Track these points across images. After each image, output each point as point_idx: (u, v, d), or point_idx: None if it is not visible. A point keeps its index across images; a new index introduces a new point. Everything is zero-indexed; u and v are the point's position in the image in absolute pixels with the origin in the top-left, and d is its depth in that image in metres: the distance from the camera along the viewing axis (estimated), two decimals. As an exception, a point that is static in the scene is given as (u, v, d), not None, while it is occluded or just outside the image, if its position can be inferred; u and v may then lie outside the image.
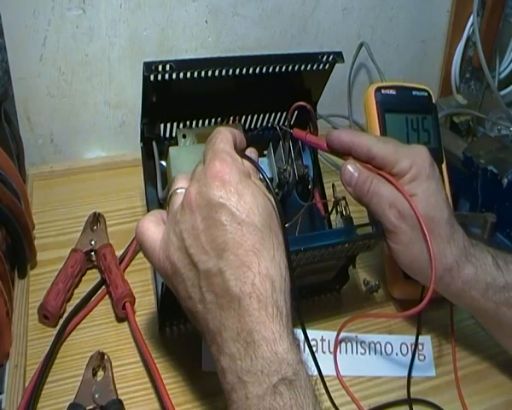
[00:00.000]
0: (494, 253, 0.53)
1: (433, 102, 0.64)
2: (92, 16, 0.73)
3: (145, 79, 0.52)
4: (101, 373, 0.52)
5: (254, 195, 0.41)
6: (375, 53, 0.90)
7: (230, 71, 0.55)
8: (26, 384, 0.50)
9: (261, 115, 0.63)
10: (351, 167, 0.53)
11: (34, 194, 0.75)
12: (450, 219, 0.51)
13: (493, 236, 0.68)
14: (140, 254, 0.65)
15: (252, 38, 0.83)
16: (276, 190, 0.60)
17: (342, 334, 0.57)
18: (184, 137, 0.60)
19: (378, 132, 0.60)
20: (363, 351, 0.58)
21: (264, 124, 0.64)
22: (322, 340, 0.57)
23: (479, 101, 0.89)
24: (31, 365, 0.53)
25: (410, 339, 0.58)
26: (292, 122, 0.60)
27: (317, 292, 0.63)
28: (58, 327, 0.55)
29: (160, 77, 0.52)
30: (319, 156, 0.65)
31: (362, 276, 0.66)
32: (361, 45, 0.90)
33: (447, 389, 0.55)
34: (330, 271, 0.60)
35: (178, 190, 0.44)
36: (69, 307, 0.58)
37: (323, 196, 0.64)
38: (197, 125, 0.61)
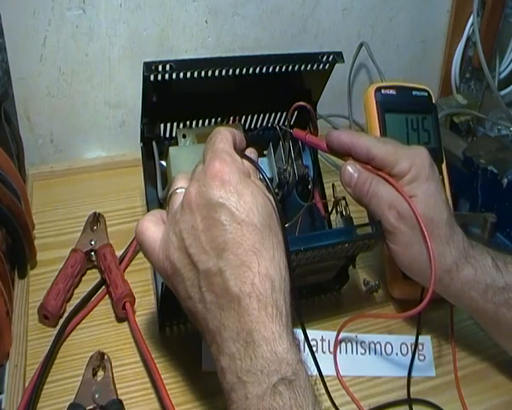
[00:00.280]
0: (494, 254, 0.53)
1: (433, 102, 0.64)
2: (92, 16, 0.73)
3: (145, 78, 0.52)
4: (101, 373, 0.52)
5: (254, 195, 0.41)
6: (375, 53, 0.90)
7: (230, 71, 0.55)
8: (26, 384, 0.50)
9: (261, 115, 0.63)
10: (350, 168, 0.53)
11: (34, 194, 0.75)
12: (450, 221, 0.51)
13: (493, 236, 0.68)
14: (140, 254, 0.65)
15: (252, 38, 0.83)
16: (276, 190, 0.60)
17: (342, 334, 0.57)
18: (184, 137, 0.60)
19: (378, 132, 0.60)
20: (363, 351, 0.58)
21: (264, 124, 0.64)
22: (322, 340, 0.57)
23: (479, 101, 0.89)
24: (31, 365, 0.53)
25: (410, 339, 0.58)
26: (292, 122, 0.60)
27: (317, 292, 0.63)
28: (58, 327, 0.55)
29: (159, 77, 0.52)
30: (319, 156, 0.65)
31: (362, 276, 0.66)
32: (361, 45, 0.90)
33: (447, 389, 0.55)
34: (330, 271, 0.60)
35: (178, 190, 0.44)
36: (69, 307, 0.58)
37: (323, 196, 0.64)
38: (197, 125, 0.61)
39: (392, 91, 0.62)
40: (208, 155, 0.43)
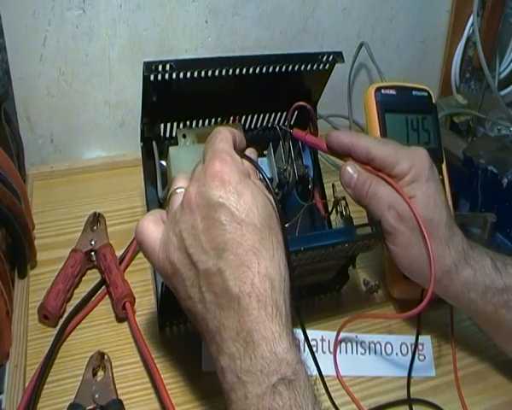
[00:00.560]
0: (493, 255, 0.52)
1: (433, 102, 0.64)
2: (92, 16, 0.73)
3: (145, 78, 0.52)
4: (101, 373, 0.52)
5: (254, 194, 0.41)
6: (375, 53, 0.90)
7: (230, 71, 0.55)
8: (26, 384, 0.50)
9: (261, 115, 0.63)
10: (350, 169, 0.53)
11: (34, 194, 0.75)
12: (449, 222, 0.51)
13: (493, 236, 0.68)
14: (140, 254, 0.65)
15: (252, 38, 0.83)
16: (276, 190, 0.60)
17: (342, 334, 0.57)
18: (184, 136, 0.60)
19: (378, 132, 0.60)
20: (363, 351, 0.58)
21: (264, 124, 0.64)
22: (322, 340, 0.57)
23: (479, 101, 0.89)
24: (31, 365, 0.53)
25: (410, 339, 0.58)
26: (292, 122, 0.60)
27: (317, 292, 0.63)
28: (58, 327, 0.55)
29: (159, 77, 0.52)
30: (319, 156, 0.65)
31: (362, 276, 0.66)
32: (361, 45, 0.90)
33: (447, 389, 0.55)
34: (330, 271, 0.60)
35: (178, 190, 0.44)
36: (69, 307, 0.58)
37: (323, 196, 0.64)
38: (197, 125, 0.61)
39: (392, 91, 0.62)
40: (208, 155, 0.43)
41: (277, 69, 0.56)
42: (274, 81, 0.58)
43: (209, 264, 0.39)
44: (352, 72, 0.93)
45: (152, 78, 0.52)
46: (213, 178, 0.40)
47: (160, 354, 0.55)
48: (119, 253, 0.64)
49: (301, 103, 0.57)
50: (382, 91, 0.61)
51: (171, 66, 0.52)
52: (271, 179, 0.60)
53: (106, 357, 0.53)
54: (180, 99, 0.56)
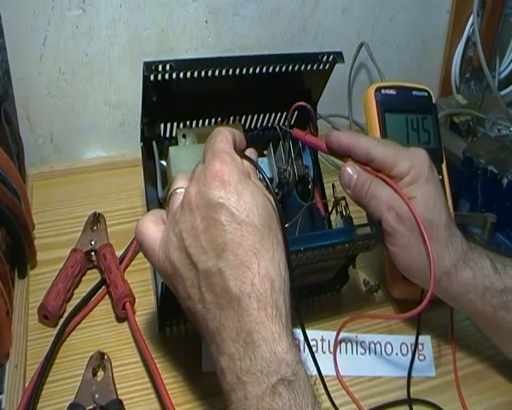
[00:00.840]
0: (492, 256, 0.52)
1: (433, 102, 0.64)
2: (92, 16, 0.73)
3: (145, 78, 0.52)
4: (101, 373, 0.52)
5: (254, 195, 0.41)
6: (375, 53, 0.90)
7: (230, 71, 0.55)
8: (26, 384, 0.50)
9: (261, 115, 0.63)
10: (350, 169, 0.53)
11: (34, 194, 0.75)
12: (449, 223, 0.51)
13: (493, 236, 0.68)
14: (140, 254, 0.65)
15: (252, 38, 0.83)
16: (276, 190, 0.60)
17: (342, 334, 0.57)
18: (184, 136, 0.60)
19: (378, 132, 0.60)
20: (363, 351, 0.58)
21: (264, 124, 0.64)
22: (322, 340, 0.57)
23: (479, 101, 0.89)
24: (31, 365, 0.53)
25: (410, 339, 0.58)
26: (292, 122, 0.60)
27: (317, 292, 0.63)
28: (58, 327, 0.55)
29: (159, 77, 0.52)
30: (319, 156, 0.65)
31: (362, 276, 0.66)
32: (361, 45, 0.90)
33: (447, 389, 0.55)
34: (330, 271, 0.60)
35: (178, 190, 0.44)
36: (69, 307, 0.58)
37: (323, 196, 0.64)
38: (197, 125, 0.61)
39: (392, 91, 0.62)
40: (208, 155, 0.43)
41: (277, 69, 0.56)
42: (274, 81, 0.58)
43: (209, 264, 0.39)
44: (352, 72, 0.93)
45: (152, 78, 0.52)
46: (213, 179, 0.40)
47: (160, 354, 0.55)
48: (119, 253, 0.64)
49: (301, 103, 0.57)
50: (382, 91, 0.61)
51: (171, 66, 0.52)
52: (271, 179, 0.60)
53: (106, 357, 0.53)
54: (180, 99, 0.56)
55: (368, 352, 0.58)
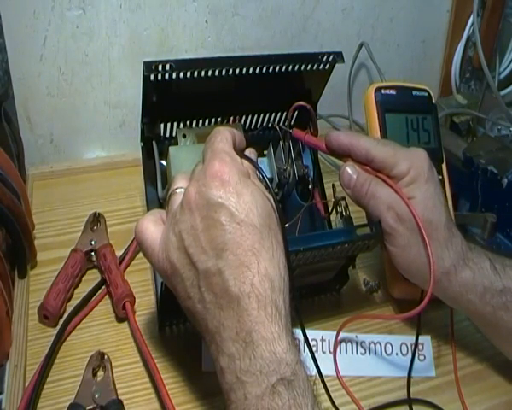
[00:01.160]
0: (492, 257, 0.52)
1: (433, 102, 0.64)
2: (92, 16, 0.73)
3: (145, 78, 0.52)
4: (101, 373, 0.52)
5: (253, 195, 0.41)
6: (375, 53, 0.90)
7: (230, 71, 0.55)
8: (26, 384, 0.50)
9: (261, 115, 0.63)
10: (349, 169, 0.53)
11: (34, 194, 0.75)
12: (449, 223, 0.51)
13: (493, 236, 0.68)
14: (140, 254, 0.65)
15: (252, 38, 0.83)
16: (276, 190, 0.60)
17: (342, 334, 0.57)
18: (184, 136, 0.60)
19: (378, 132, 0.60)
20: (362, 351, 0.58)
21: (264, 124, 0.64)
22: (322, 340, 0.57)
23: (479, 101, 0.89)
24: (31, 365, 0.53)
25: (410, 339, 0.58)
26: (292, 122, 0.60)
27: (317, 292, 0.63)
28: (58, 327, 0.55)
29: (160, 77, 0.52)
30: (319, 156, 0.65)
31: (362, 276, 0.66)
32: (361, 45, 0.90)
33: (447, 389, 0.55)
34: (330, 271, 0.60)
35: (178, 190, 0.44)
36: (69, 307, 0.58)
37: (323, 196, 0.64)
38: (197, 124, 0.61)
39: (392, 91, 0.62)
40: (208, 155, 0.43)
41: (277, 69, 0.56)
42: (274, 81, 0.58)
43: (209, 264, 0.39)
44: (352, 72, 0.93)
45: (152, 78, 0.52)
46: (213, 179, 0.40)
47: (160, 354, 0.55)
48: (119, 253, 0.64)
49: (301, 103, 0.57)
50: (382, 91, 0.61)
51: (171, 66, 0.52)
52: (271, 179, 0.60)
53: (106, 357, 0.53)
54: (180, 99, 0.56)
55: (368, 352, 0.58)
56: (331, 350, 0.57)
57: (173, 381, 0.53)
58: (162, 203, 0.58)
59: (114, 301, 0.58)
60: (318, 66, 0.58)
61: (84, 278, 0.62)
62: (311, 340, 0.55)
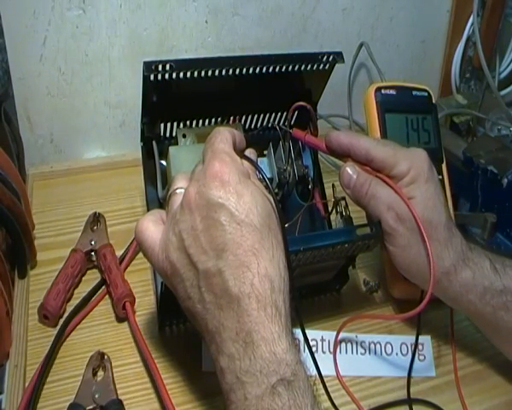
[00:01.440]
0: (492, 257, 0.52)
1: (433, 102, 0.64)
2: (92, 16, 0.73)
3: (145, 78, 0.52)
4: (101, 373, 0.52)
5: (253, 195, 0.41)
6: (375, 53, 0.90)
7: (230, 71, 0.55)
8: (26, 384, 0.50)
9: (261, 115, 0.63)
10: (349, 169, 0.53)
11: (34, 194, 0.75)
12: (449, 223, 0.51)
13: (493, 236, 0.68)
14: (140, 254, 0.65)
15: (252, 38, 0.83)
16: (276, 190, 0.60)
17: (342, 334, 0.57)
18: (184, 136, 0.60)
19: (378, 132, 0.60)
20: (362, 351, 0.58)
21: (264, 124, 0.64)
22: (322, 340, 0.57)
23: (479, 101, 0.89)
24: (31, 365, 0.53)
25: (410, 339, 0.58)
26: (292, 122, 0.60)
27: (317, 292, 0.63)
28: (58, 327, 0.55)
29: (159, 77, 0.52)
30: (319, 156, 0.65)
31: (362, 276, 0.66)
32: (361, 45, 0.90)
33: (447, 389, 0.55)
34: (330, 271, 0.60)
35: (178, 190, 0.44)
36: (69, 307, 0.58)
37: (323, 196, 0.64)
38: (197, 124, 0.61)
39: (392, 91, 0.62)
40: (208, 155, 0.43)
41: (277, 69, 0.56)
42: (274, 81, 0.58)
43: (209, 264, 0.39)
44: (352, 72, 0.93)
45: (152, 78, 0.52)
46: (213, 179, 0.40)
47: (160, 354, 0.55)
48: (119, 253, 0.64)
49: (301, 103, 0.57)
50: (382, 91, 0.61)
51: (171, 66, 0.52)
52: (271, 179, 0.60)
53: (106, 357, 0.53)
54: (180, 99, 0.56)
55: (368, 352, 0.58)
56: (331, 350, 0.57)
57: (173, 381, 0.53)
58: (162, 203, 0.58)
59: (114, 301, 0.58)
60: (318, 66, 0.58)
61: (84, 278, 0.62)
62: (311, 340, 0.55)
